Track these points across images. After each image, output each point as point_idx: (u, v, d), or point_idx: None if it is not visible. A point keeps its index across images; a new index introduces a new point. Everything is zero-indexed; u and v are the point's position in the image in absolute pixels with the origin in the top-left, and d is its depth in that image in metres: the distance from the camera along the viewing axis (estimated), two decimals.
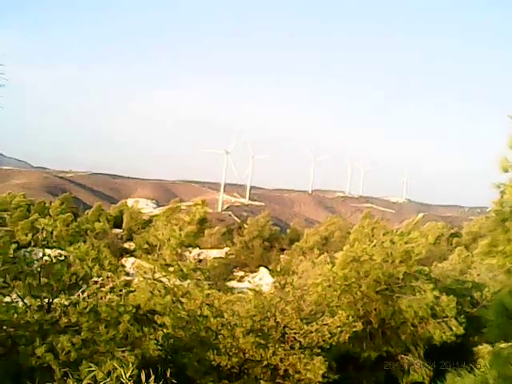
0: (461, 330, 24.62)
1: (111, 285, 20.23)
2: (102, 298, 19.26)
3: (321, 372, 20.42)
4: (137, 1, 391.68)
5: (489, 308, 6.86)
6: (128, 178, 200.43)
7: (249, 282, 59.78)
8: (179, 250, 28.38)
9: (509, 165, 11.30)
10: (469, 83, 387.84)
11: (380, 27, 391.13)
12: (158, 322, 21.59)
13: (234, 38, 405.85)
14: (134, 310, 20.17)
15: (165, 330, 21.20)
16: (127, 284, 23.38)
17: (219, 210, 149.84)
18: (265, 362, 20.69)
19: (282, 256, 65.76)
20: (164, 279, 26.24)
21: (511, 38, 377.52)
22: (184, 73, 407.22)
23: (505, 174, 11.30)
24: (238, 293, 29.27)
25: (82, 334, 16.28)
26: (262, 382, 20.75)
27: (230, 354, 20.66)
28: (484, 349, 13.85)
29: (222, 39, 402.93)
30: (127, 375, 10.68)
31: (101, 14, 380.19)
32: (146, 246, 34.93)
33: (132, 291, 23.52)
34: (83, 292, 18.00)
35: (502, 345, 7.81)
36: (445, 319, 25.33)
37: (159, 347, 20.09)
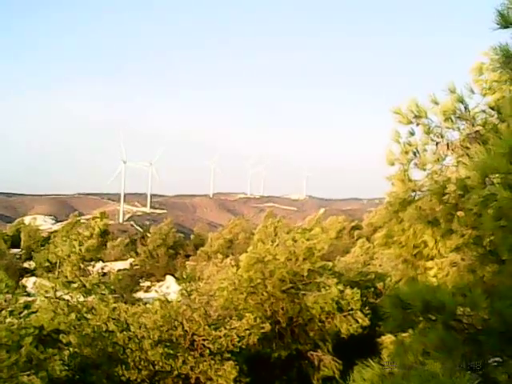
0: (367, 322, 25.06)
1: (10, 308, 19.55)
2: (0, 323, 18.61)
3: (232, 377, 20.39)
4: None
5: (384, 299, 6.91)
6: (23, 195, 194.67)
7: (156, 291, 59.09)
8: (82, 266, 27.82)
9: (394, 158, 11.60)
10: (359, 76, 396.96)
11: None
12: (64, 341, 21.05)
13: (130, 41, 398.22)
14: (36, 332, 19.56)
15: (71, 349, 20.68)
16: (27, 305, 22.62)
17: (121, 220, 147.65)
18: (175, 372, 20.47)
19: (187, 263, 65.34)
20: (67, 297, 25.62)
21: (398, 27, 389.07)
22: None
23: (391, 167, 11.65)
24: (145, 303, 28.81)
25: None
26: None
27: (140, 367, 20.33)
28: (388, 339, 14.16)
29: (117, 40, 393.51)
30: None
31: None
32: (46, 263, 33.94)
33: (34, 312, 22.83)
34: None
35: (404, 334, 7.91)
36: (350, 312, 25.74)
37: (66, 367, 19.57)
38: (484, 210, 6.27)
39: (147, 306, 25.02)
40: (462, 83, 11.72)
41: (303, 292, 26.03)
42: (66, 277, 26.72)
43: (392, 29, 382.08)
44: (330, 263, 31.14)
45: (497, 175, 6.07)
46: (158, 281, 65.97)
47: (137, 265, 69.82)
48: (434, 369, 5.81)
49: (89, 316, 22.98)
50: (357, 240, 54.90)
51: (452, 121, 11.24)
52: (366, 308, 26.15)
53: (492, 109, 10.97)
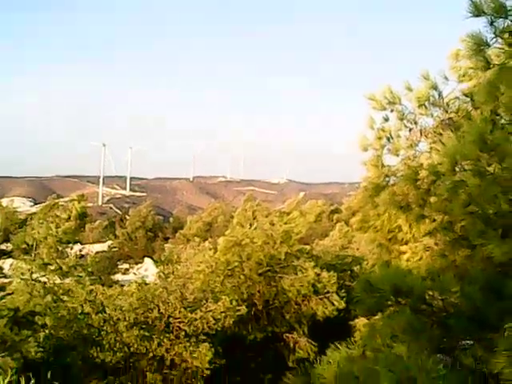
0: (342, 305, 25.26)
1: None
2: None
3: (207, 359, 20.47)
4: None
5: (355, 283, 6.98)
6: (1, 177, 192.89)
7: (134, 273, 59.03)
8: (59, 248, 27.71)
9: (368, 143, 11.67)
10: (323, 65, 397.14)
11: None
12: (39, 323, 20.98)
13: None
14: (11, 314, 19.51)
15: (46, 331, 20.64)
16: (2, 287, 22.52)
17: (100, 203, 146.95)
18: (150, 354, 20.52)
19: (166, 245, 65.23)
20: (43, 279, 25.54)
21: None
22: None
23: (364, 152, 11.72)
24: (122, 286, 28.79)
25: None
26: (148, 374, 20.57)
27: (115, 349, 20.34)
28: (360, 321, 14.29)
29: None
30: (6, 381, 10.26)
31: None
32: (23, 245, 33.82)
33: (9, 294, 22.76)
34: None
35: (376, 317, 7.99)
36: (326, 295, 25.93)
37: (41, 349, 19.52)
38: (454, 196, 6.35)
39: (124, 288, 25.05)
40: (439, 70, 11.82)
41: (280, 275, 26.15)
42: (43, 259, 26.61)
43: (367, 16, 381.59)
44: (308, 247, 31.31)
45: (467, 162, 6.14)
46: (137, 263, 65.85)
47: (115, 247, 69.57)
48: (401, 352, 5.89)
49: (65, 298, 22.92)
50: (336, 224, 55.06)
51: (426, 107, 11.34)
52: (343, 291, 26.35)
53: (466, 96, 11.07)
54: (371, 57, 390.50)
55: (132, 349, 20.46)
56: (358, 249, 38.23)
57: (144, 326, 20.88)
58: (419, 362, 5.65)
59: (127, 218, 77.61)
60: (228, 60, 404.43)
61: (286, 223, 26.83)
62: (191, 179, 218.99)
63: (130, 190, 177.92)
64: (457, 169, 6.43)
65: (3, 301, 20.91)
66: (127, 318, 20.72)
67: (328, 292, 25.94)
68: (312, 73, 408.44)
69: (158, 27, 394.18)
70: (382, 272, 7.13)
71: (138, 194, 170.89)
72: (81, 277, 26.25)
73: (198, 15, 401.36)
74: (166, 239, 71.19)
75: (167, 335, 20.86)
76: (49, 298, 23.20)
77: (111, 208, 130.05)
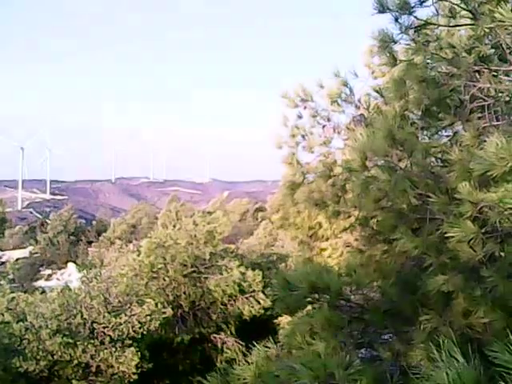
0: (268, 303, 25.34)
1: None
2: None
3: (134, 363, 20.22)
4: None
5: (274, 281, 7.00)
6: None
7: (57, 279, 57.95)
8: None
9: (282, 141, 11.74)
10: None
11: None
12: None
13: None
14: None
15: None
16: None
17: (19, 207, 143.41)
18: (75, 362, 20.10)
19: (89, 249, 64.23)
20: None
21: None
22: None
23: (279, 150, 11.80)
24: (42, 292, 28.15)
25: None
26: (74, 381, 20.15)
27: (38, 357, 19.83)
28: (284, 319, 14.37)
29: None
30: None
31: None
32: None
33: None
34: None
35: (297, 315, 8.03)
36: (252, 294, 25.99)
37: None
38: (366, 191, 6.42)
39: (46, 295, 24.51)
40: (358, 66, 11.99)
41: (205, 276, 26.06)
42: None
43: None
44: (233, 246, 31.37)
45: (378, 157, 6.23)
46: (60, 268, 64.62)
47: (37, 253, 68.07)
48: (319, 348, 5.92)
49: None
50: (260, 222, 55.32)
51: (338, 104, 11.47)
52: (268, 289, 26.43)
53: (376, 92, 11.24)
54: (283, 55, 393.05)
55: (56, 356, 20.00)
56: (282, 246, 38.46)
57: (67, 333, 20.44)
58: (337, 358, 5.68)
59: (48, 222, 75.97)
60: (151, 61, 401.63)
61: (209, 223, 26.77)
62: (113, 181, 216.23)
63: (51, 193, 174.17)
64: (369, 164, 6.51)
65: None
66: (50, 326, 20.25)
67: (254, 291, 26.01)
68: (233, 72, 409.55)
69: None
70: (300, 269, 7.16)
71: (58, 197, 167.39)
72: (1, 285, 25.57)
73: None
74: (90, 243, 69.98)
75: (92, 341, 20.49)
76: None
77: (31, 212, 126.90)
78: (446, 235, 5.73)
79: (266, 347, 6.73)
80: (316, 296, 6.67)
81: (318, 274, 6.64)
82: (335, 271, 7.36)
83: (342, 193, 10.18)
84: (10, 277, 28.41)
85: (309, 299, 6.81)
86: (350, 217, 10.14)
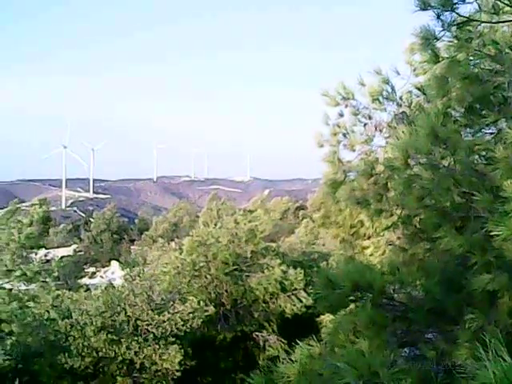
0: (310, 301, 25.30)
1: None
2: None
3: (177, 360, 20.40)
4: None
5: (316, 281, 7.00)
6: None
7: (101, 277, 58.68)
8: (24, 253, 27.36)
9: (323, 140, 11.72)
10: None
11: None
12: (5, 330, 20.73)
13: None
14: None
15: (13, 338, 20.42)
16: None
17: (63, 206, 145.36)
18: (119, 358, 20.35)
19: (132, 247, 64.90)
20: (8, 286, 25.19)
21: None
22: None
23: (321, 149, 11.78)
24: (87, 290, 28.55)
25: None
26: (118, 378, 20.42)
27: (83, 354, 20.15)
28: (326, 318, 14.35)
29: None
30: None
31: None
32: None
33: None
34: None
35: (342, 312, 8.02)
36: (294, 292, 26.00)
37: (8, 356, 19.32)
38: (409, 189, 6.39)
39: (90, 292, 24.84)
40: (400, 63, 11.92)
41: (247, 274, 26.16)
42: (6, 265, 26.26)
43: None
44: (274, 244, 31.33)
45: (420, 155, 6.19)
46: (103, 266, 65.47)
47: (81, 251, 69.03)
48: (363, 347, 5.91)
49: (31, 304, 22.65)
50: (301, 220, 55.19)
51: (379, 102, 11.41)
52: (310, 287, 26.39)
53: (418, 89, 11.16)
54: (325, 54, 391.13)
55: (101, 353, 20.28)
56: (324, 245, 38.36)
57: (112, 330, 20.72)
58: (381, 357, 5.67)
59: (91, 220, 76.97)
60: (190, 60, 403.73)
61: (250, 221, 26.85)
62: (155, 180, 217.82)
63: (94, 192, 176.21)
64: (412, 162, 6.48)
65: None
66: (94, 323, 20.55)
67: (295, 289, 26.02)
68: (273, 70, 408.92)
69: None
70: (342, 268, 7.16)
71: (101, 196, 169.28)
72: (46, 282, 25.97)
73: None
74: (132, 241, 70.76)
75: (135, 338, 20.72)
76: (14, 304, 22.89)
77: (75, 211, 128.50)
78: (490, 233, 5.66)
79: (309, 345, 6.71)
80: (359, 294, 6.65)
81: (360, 273, 6.63)
82: (378, 269, 7.34)
83: (384, 191, 10.14)
84: (55, 274, 28.76)
85: (351, 298, 6.79)
86: (392, 215, 10.08)
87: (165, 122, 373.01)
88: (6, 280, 25.59)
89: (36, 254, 29.38)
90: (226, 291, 25.75)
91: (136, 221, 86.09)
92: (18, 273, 26.06)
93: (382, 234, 12.20)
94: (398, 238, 11.21)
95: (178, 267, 25.58)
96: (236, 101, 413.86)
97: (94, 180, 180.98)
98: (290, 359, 6.35)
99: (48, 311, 21.76)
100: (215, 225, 27.66)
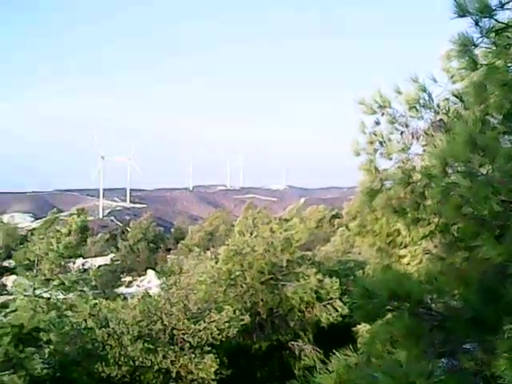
0: (346, 311, 25.15)
1: None
2: None
3: (213, 369, 20.44)
4: None
5: (353, 290, 6.95)
6: (2, 193, 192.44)
7: (137, 286, 59.01)
8: (61, 263, 27.71)
9: (360, 148, 11.67)
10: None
11: None
12: (44, 339, 20.94)
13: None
14: (15, 331, 19.44)
15: (51, 347, 20.62)
16: (6, 304, 22.44)
17: (100, 216, 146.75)
18: (156, 367, 20.46)
19: (168, 256, 65.20)
20: (46, 295, 25.51)
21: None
22: None
23: (357, 157, 11.72)
24: (124, 299, 28.71)
25: None
26: None
27: (120, 363, 20.30)
28: (363, 327, 14.24)
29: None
30: None
31: None
32: (25, 262, 33.72)
33: (13, 311, 22.70)
34: None
35: (379, 322, 7.95)
36: (330, 301, 25.91)
37: (46, 365, 19.50)
38: (446, 198, 6.32)
39: (127, 301, 25.00)
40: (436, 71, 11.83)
41: (282, 283, 26.14)
42: (45, 275, 26.60)
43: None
44: (310, 253, 31.29)
45: (458, 163, 6.12)
46: (140, 275, 65.86)
47: (118, 260, 69.56)
48: (400, 357, 5.85)
49: (69, 313, 22.90)
50: (337, 229, 54.97)
51: (416, 110, 11.33)
52: (346, 297, 26.23)
53: (456, 96, 11.06)
54: (359, 59, 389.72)
55: (137, 362, 20.41)
56: (359, 253, 38.10)
57: (148, 339, 20.84)
58: (419, 367, 5.61)
59: (128, 230, 77.56)
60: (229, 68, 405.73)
61: (285, 230, 26.82)
62: (191, 189, 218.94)
63: (131, 201, 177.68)
64: (450, 170, 6.41)
65: (7, 318, 20.88)
66: (131, 332, 20.69)
67: (331, 298, 25.93)
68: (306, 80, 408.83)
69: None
70: (379, 277, 7.10)
71: (138, 205, 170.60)
72: (84, 291, 26.25)
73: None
74: (168, 250, 71.15)
75: (172, 347, 20.82)
76: (52, 313, 23.15)
77: (112, 221, 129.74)
78: None
79: (346, 355, 6.66)
80: (396, 304, 6.58)
81: (397, 282, 6.56)
82: (415, 279, 7.25)
83: (421, 199, 10.04)
84: (93, 283, 29.16)
85: (388, 307, 6.72)
86: (429, 224, 9.99)
87: (202, 132, 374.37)
88: (45, 289, 25.93)
89: (74, 264, 29.77)
90: (262, 300, 25.74)
91: (172, 230, 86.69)
92: (56, 282, 26.39)
93: (419, 242, 12.08)
94: (436, 246, 11.08)
95: (213, 276, 25.66)
96: (268, 109, 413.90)
97: (131, 190, 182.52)
98: (327, 369, 6.31)
99: (85, 320, 21.94)
100: (251, 234, 27.68)
